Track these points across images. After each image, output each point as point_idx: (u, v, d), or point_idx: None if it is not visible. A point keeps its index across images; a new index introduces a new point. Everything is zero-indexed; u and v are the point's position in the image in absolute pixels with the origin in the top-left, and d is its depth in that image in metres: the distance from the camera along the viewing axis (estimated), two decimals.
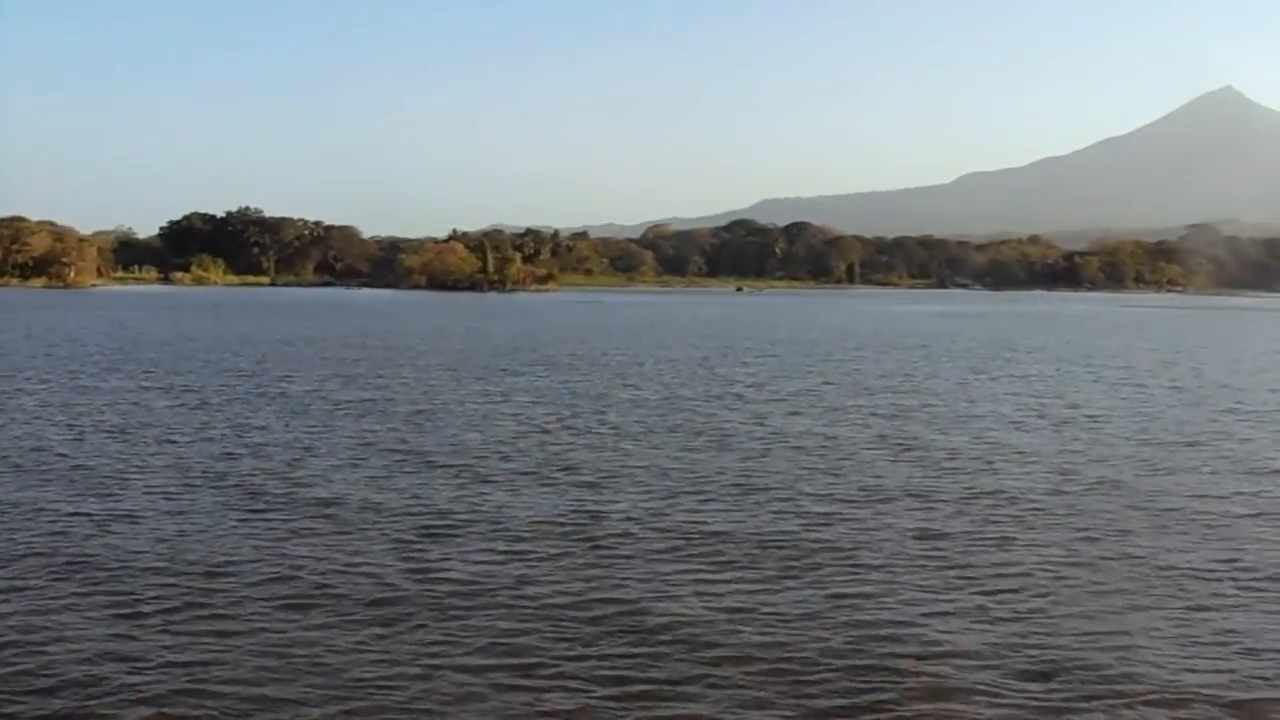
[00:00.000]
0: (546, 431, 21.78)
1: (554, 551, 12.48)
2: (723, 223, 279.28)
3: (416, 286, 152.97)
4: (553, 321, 71.95)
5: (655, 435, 21.48)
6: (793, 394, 29.49)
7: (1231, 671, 9.07)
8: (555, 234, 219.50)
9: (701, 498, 15.51)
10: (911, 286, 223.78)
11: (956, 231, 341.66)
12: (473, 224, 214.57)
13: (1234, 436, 22.58)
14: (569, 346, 46.83)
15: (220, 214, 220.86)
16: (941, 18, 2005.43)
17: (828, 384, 32.40)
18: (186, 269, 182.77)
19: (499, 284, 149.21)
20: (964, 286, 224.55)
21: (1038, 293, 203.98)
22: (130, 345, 44.01)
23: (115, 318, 67.74)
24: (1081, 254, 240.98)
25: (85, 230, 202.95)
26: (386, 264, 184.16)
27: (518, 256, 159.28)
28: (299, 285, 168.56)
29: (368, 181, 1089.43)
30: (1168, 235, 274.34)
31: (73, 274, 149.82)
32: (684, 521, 14.00)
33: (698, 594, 10.90)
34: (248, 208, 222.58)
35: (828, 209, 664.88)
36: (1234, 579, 11.71)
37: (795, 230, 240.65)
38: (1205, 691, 8.64)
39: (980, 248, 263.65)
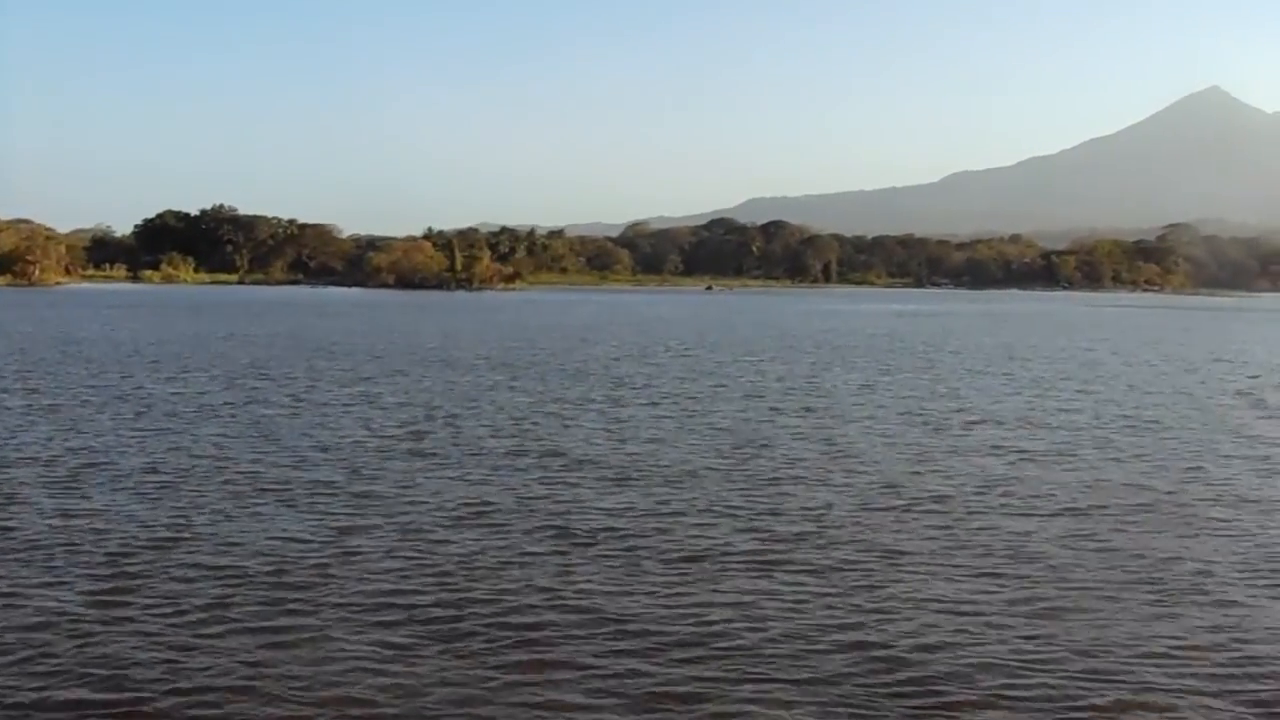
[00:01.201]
0: (384, 438, 20.92)
1: (253, 571, 11.66)
2: (710, 221, 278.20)
3: (384, 285, 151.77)
4: (496, 321, 71.01)
5: (491, 440, 20.67)
6: (674, 395, 28.70)
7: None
8: (531, 232, 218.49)
9: (478, 508, 14.73)
10: (889, 285, 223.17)
11: (943, 230, 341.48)
12: (461, 222, 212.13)
13: (1109, 444, 21.80)
14: (486, 347, 45.88)
15: (195, 212, 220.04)
16: (931, 18, 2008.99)
17: (722, 385, 31.59)
18: (157, 267, 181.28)
19: (466, 282, 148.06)
20: (939, 285, 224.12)
21: (1014, 292, 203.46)
22: (36, 345, 42.97)
23: (49, 317, 66.60)
24: (1059, 253, 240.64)
25: (64, 228, 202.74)
26: (360, 263, 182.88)
27: (485, 255, 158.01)
28: (267, 284, 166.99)
29: (355, 180, 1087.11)
30: (1154, 235, 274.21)
31: (37, 272, 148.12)
32: (434, 536, 13.23)
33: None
34: (221, 205, 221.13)
35: (815, 208, 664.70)
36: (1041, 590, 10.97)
37: (773, 229, 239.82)
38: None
39: (960, 247, 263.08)
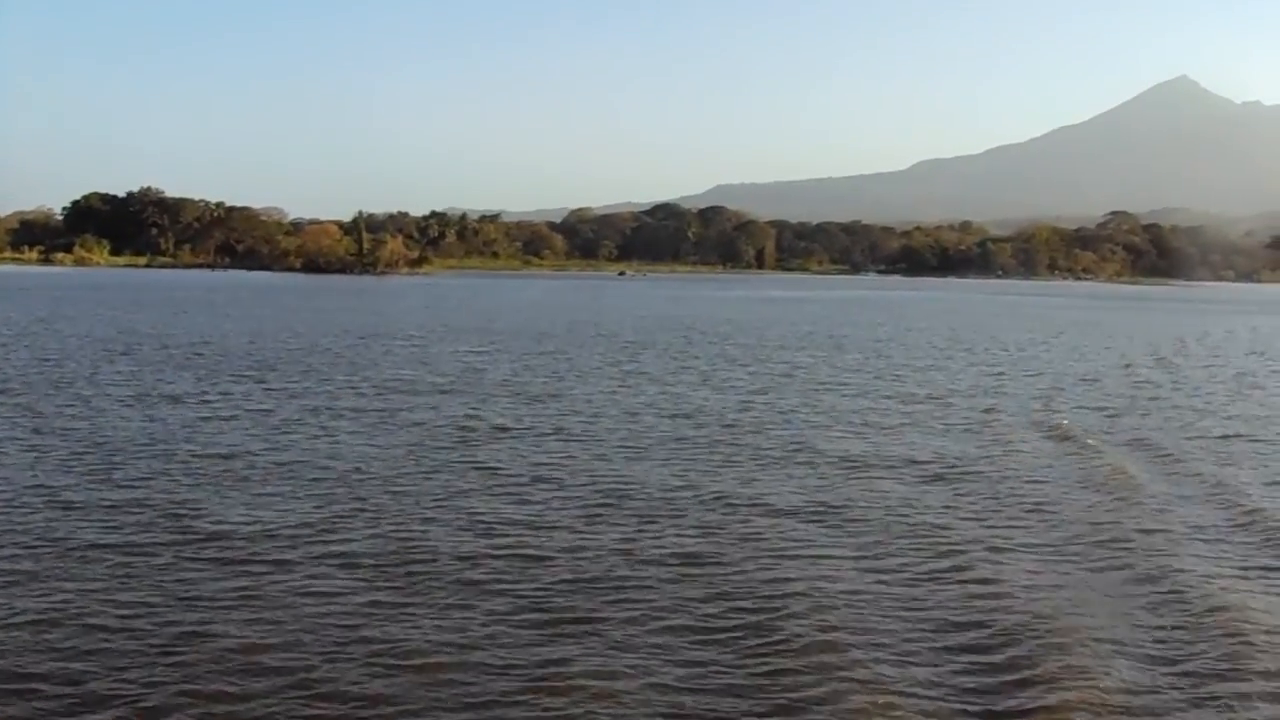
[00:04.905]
0: None
1: None
2: (654, 207, 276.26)
3: (291, 269, 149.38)
4: (319, 305, 68.99)
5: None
6: (291, 381, 26.97)
7: None
8: (463, 217, 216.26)
9: None
10: (825, 272, 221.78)
11: (911, 218, 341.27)
12: (428, 207, 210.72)
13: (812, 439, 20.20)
14: (218, 333, 43.81)
15: (122, 194, 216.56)
16: (901, 7, 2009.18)
17: (355, 375, 29.85)
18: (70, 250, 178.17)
19: (371, 266, 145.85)
20: (868, 272, 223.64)
21: (950, 279, 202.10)
22: None
23: None
24: (995, 240, 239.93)
25: (7, 210, 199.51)
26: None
27: (390, 239, 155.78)
28: (175, 266, 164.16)
29: (327, 167, 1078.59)
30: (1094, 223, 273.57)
31: None
32: None
33: None
34: (149, 188, 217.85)
35: (783, 195, 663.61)
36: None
37: (710, 214, 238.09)
38: None
39: (904, 233, 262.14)
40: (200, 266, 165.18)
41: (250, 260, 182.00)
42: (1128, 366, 38.56)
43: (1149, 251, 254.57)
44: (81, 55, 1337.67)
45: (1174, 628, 10.44)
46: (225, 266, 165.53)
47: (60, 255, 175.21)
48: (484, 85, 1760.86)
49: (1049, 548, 13.26)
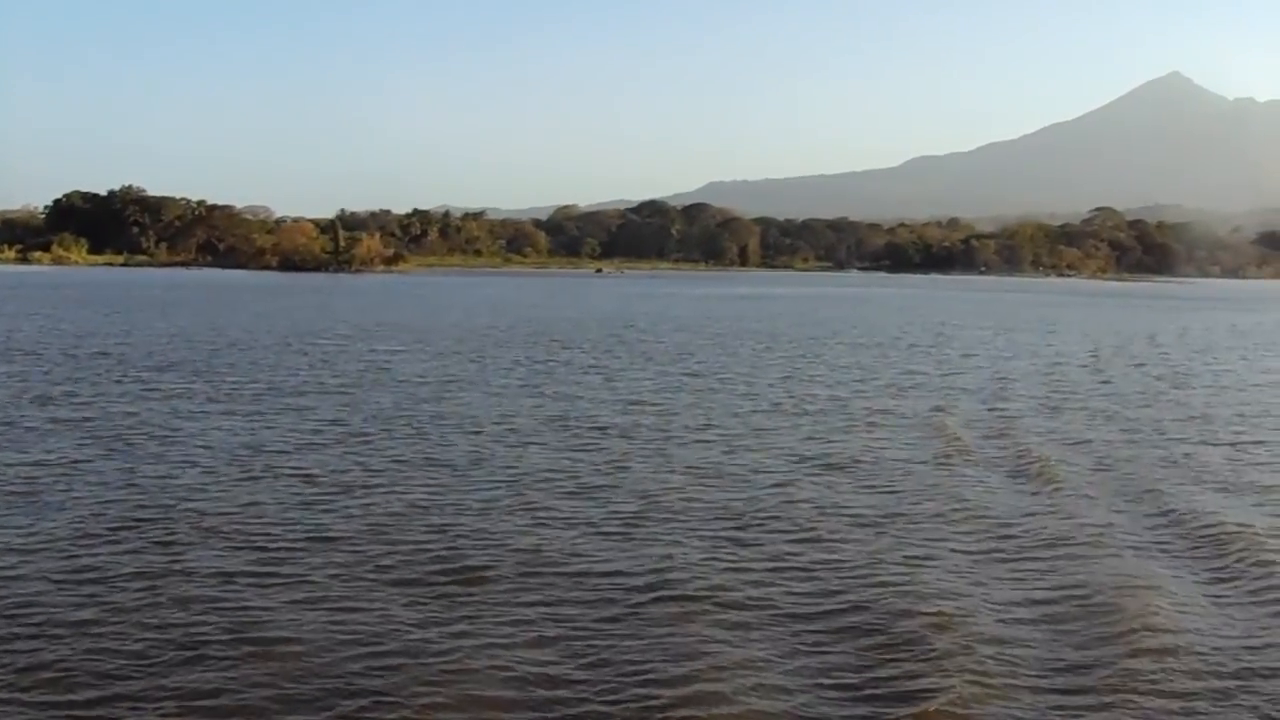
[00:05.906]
0: None
1: None
2: (640, 204, 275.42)
3: (268, 267, 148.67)
4: (285, 305, 68.29)
5: None
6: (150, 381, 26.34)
7: None
8: (445, 214, 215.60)
9: None
10: (810, 269, 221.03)
11: (902, 215, 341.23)
12: (417, 205, 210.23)
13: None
14: (96, 331, 43.20)
15: (103, 193, 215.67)
16: (895, 4, 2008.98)
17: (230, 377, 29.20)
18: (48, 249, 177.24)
19: (346, 264, 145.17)
20: (851, 270, 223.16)
21: (934, 276, 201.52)
22: None
23: None
24: (979, 237, 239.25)
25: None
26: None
27: (366, 237, 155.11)
28: (152, 265, 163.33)
29: (318, 166, 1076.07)
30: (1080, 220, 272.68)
31: None
32: None
33: None
34: (130, 186, 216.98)
35: (775, 192, 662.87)
36: None
37: (694, 212, 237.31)
38: None
39: (890, 230, 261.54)
40: (177, 265, 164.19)
41: (229, 259, 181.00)
42: (1076, 365, 38.01)
43: (1134, 248, 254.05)
44: (79, 55, 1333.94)
45: (1060, 629, 10.41)
46: (204, 265, 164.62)
47: (38, 254, 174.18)
48: (478, 83, 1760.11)
49: (927, 555, 12.81)
